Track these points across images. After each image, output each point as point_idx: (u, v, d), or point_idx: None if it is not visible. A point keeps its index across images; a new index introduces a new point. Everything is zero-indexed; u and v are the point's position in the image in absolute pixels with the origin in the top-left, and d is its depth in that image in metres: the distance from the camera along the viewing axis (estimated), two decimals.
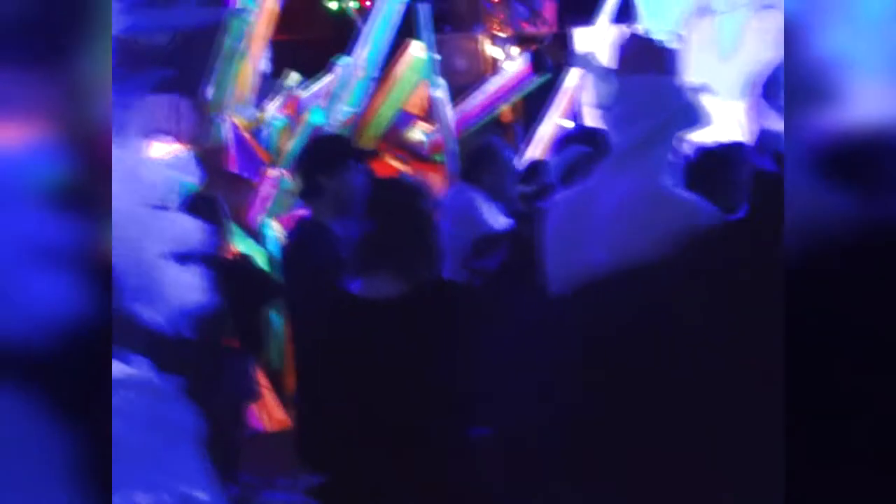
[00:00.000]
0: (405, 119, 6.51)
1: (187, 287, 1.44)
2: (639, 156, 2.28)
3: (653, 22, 5.15)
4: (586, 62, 2.19)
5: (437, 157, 6.44)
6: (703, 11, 5.10)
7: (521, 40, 7.32)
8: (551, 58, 5.92)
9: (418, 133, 6.55)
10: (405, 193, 2.66)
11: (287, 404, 5.31)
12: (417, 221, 2.62)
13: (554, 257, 2.42)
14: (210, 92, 6.00)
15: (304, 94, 6.20)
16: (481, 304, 2.74)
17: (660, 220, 2.29)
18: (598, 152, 3.30)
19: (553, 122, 6.19)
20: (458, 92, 6.48)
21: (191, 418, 1.32)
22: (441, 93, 5.76)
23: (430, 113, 6.42)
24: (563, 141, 3.46)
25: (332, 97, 6.08)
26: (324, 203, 3.42)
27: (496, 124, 6.87)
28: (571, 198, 2.43)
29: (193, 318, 1.46)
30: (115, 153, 1.35)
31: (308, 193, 3.49)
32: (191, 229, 1.47)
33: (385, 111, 6.39)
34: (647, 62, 2.19)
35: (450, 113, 6.01)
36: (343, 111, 6.06)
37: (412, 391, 2.61)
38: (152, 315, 1.42)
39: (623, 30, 2.25)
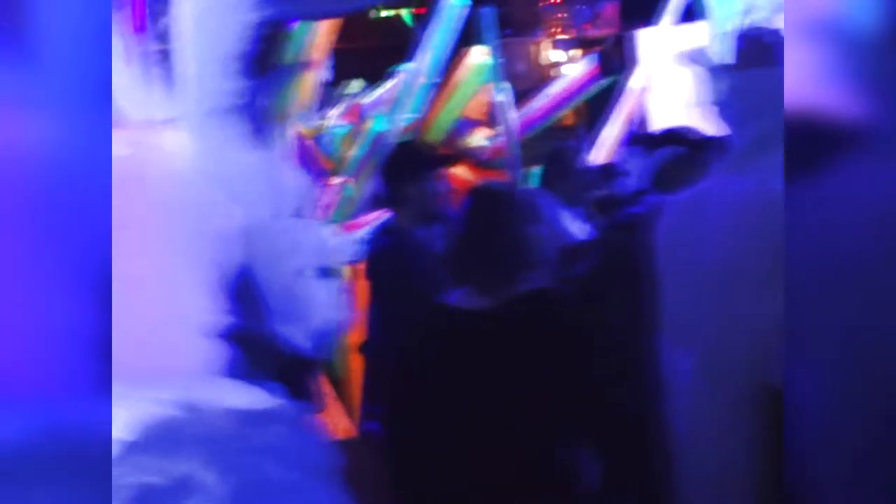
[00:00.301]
0: (466, 125, 6.45)
1: (328, 303, 1.37)
2: (755, 155, 2.19)
3: (722, 21, 5.04)
4: (697, 58, 2.11)
5: (497, 163, 6.37)
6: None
7: (583, 43, 7.23)
8: (618, 59, 5.84)
9: (478, 138, 6.49)
10: (501, 201, 2.59)
11: (351, 413, 5.27)
12: (513, 230, 2.54)
13: (666, 261, 2.34)
14: (272, 100, 5.98)
15: (365, 101, 6.17)
16: (577, 313, 2.66)
17: (777, 222, 2.20)
18: (693, 153, 3.21)
19: (619, 125, 6.10)
20: (519, 96, 6.40)
21: (330, 451, 1.24)
22: (505, 97, 5.69)
23: (490, 118, 6.36)
24: (653, 142, 3.36)
25: (394, 103, 6.03)
26: (408, 210, 3.36)
27: (558, 128, 6.79)
28: (685, 200, 2.34)
29: (331, 336, 1.38)
30: (254, 158, 1.30)
31: (392, 200, 3.44)
32: (330, 241, 1.39)
33: (445, 116, 6.33)
34: (764, 56, 2.09)
35: (513, 117, 5.93)
36: (405, 117, 6.01)
37: (509, 406, 2.53)
38: (291, 335, 1.35)
39: (738, 21, 2.16)
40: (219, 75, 1.21)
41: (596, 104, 6.52)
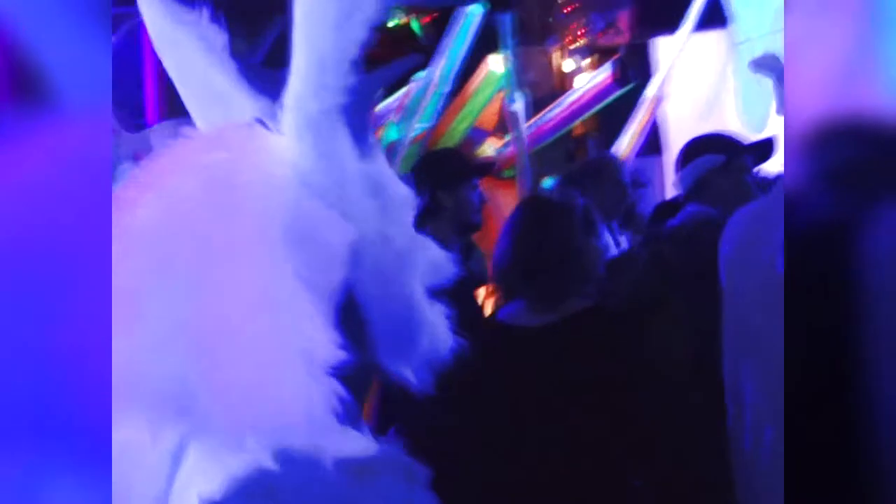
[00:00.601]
0: (477, 134, 6.36)
1: (440, 329, 1.23)
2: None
3: (746, 27, 4.98)
4: (768, 64, 2.01)
5: (507, 173, 6.28)
6: None
7: (599, 51, 7.14)
8: (634, 68, 5.76)
9: (489, 148, 6.40)
10: (557, 212, 2.48)
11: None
12: (572, 242, 2.44)
13: (732, 272, 2.24)
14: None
15: (377, 110, 6.06)
16: (636, 329, 2.56)
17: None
18: (731, 161, 3.11)
19: (635, 134, 6.01)
20: (533, 105, 6.30)
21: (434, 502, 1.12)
22: (519, 106, 5.59)
23: (500, 127, 6.26)
24: (689, 151, 3.24)
25: (405, 112, 5.93)
26: (441, 220, 3.25)
27: (569, 138, 6.69)
28: (753, 210, 2.25)
29: (441, 367, 1.24)
30: (363, 166, 1.18)
31: (424, 210, 3.32)
32: (441, 261, 1.25)
33: (457, 126, 6.24)
34: None
35: (525, 127, 5.84)
36: (417, 126, 5.91)
37: (563, 425, 2.42)
38: (399, 368, 1.21)
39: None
40: (335, 72, 1.09)
41: (611, 113, 6.43)
